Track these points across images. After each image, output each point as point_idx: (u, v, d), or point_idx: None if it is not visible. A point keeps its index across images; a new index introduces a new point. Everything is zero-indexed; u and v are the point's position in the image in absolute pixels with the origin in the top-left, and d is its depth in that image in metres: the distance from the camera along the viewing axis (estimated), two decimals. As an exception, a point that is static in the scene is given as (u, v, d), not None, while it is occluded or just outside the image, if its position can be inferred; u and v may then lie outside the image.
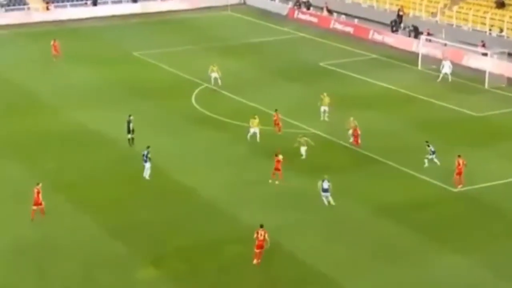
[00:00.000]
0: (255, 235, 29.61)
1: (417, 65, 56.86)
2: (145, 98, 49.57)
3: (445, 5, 66.34)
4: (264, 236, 29.54)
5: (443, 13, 65.84)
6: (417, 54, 58.04)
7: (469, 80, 54.10)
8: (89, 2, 75.69)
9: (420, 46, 59.22)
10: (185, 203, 34.84)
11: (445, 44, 58.70)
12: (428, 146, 38.58)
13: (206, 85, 52.43)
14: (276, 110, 43.96)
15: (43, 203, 32.78)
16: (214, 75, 51.33)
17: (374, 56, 60.95)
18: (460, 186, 36.14)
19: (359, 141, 41.15)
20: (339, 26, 69.98)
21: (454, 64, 54.64)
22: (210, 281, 28.83)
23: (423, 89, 51.76)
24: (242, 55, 60.92)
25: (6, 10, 73.44)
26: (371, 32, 66.65)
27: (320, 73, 56.39)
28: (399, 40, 64.16)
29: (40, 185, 33.11)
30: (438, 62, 55.65)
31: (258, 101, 48.36)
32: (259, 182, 36.83)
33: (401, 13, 67.23)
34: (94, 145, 41.71)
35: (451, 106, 48.39)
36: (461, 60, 57.65)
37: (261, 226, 29.83)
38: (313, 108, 47.63)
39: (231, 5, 78.13)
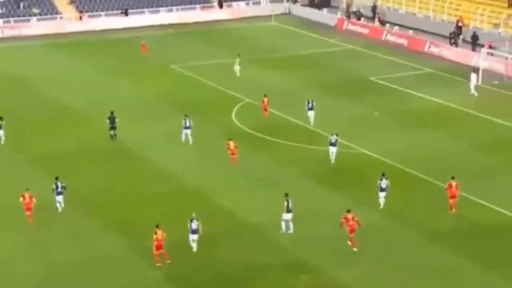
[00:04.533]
0: (342, 220, 32.22)
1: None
2: (182, 113, 49.90)
3: (508, 16, 65.77)
4: (355, 219, 32.22)
5: (506, 24, 65.25)
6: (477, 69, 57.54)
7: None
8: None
9: (481, 60, 58.71)
10: (225, 226, 34.99)
11: (506, 58, 58.11)
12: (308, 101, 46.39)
13: (247, 100, 52.71)
14: (265, 95, 48.64)
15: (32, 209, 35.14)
16: (237, 67, 57.70)
17: (430, 70, 60.57)
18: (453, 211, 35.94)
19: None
20: (391, 38, 69.82)
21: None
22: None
23: (484, 106, 51.22)
24: (287, 68, 61.11)
25: (38, 20, 74.97)
26: (427, 44, 66.31)
27: (371, 88, 56.16)
28: (457, 53, 63.70)
29: (29, 190, 35.26)
30: (501, 77, 55.06)
31: (303, 118, 48.42)
32: (298, 205, 36.91)
33: (460, 24, 66.83)
34: (129, 162, 42.26)
35: (513, 125, 47.90)
36: (525, 75, 56.99)
37: (348, 211, 32.29)
38: (362, 126, 47.61)
39: (276, 15, 78.57)
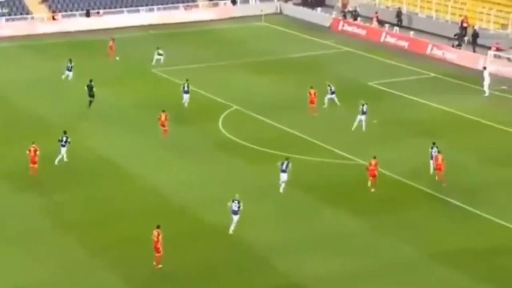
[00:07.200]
0: (367, 166, 38.80)
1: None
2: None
3: (517, 16, 65.92)
4: (377, 166, 38.70)
5: (514, 25, 65.39)
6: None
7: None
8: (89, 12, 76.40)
9: (488, 63, 58.63)
10: (215, 246, 34.55)
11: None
12: (329, 86, 50.76)
13: (235, 107, 52.46)
14: (311, 87, 50.68)
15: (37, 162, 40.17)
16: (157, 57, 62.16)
17: (432, 74, 60.60)
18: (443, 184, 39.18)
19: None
20: (391, 40, 69.80)
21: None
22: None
23: (490, 114, 51.12)
24: (278, 72, 60.89)
25: (7, 20, 74.46)
26: (429, 46, 66.32)
27: (368, 93, 55.84)
28: (462, 56, 63.68)
29: (35, 144, 40.44)
30: (510, 82, 55.07)
31: (296, 127, 48.14)
32: (291, 218, 36.69)
33: (465, 24, 66.86)
34: (106, 177, 41.77)
35: (525, 134, 47.81)
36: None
37: (374, 157, 38.56)
38: (360, 135, 47.36)
39: (266, 15, 78.40)
